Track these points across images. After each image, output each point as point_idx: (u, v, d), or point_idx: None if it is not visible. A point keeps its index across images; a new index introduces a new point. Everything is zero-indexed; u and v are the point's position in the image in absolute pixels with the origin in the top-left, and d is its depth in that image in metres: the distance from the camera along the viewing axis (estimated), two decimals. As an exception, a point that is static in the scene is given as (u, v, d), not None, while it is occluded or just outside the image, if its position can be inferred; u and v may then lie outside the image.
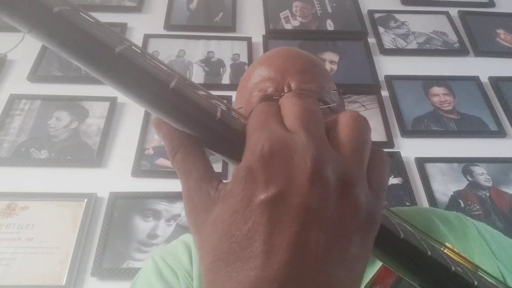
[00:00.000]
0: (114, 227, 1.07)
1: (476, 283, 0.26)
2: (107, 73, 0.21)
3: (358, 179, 0.20)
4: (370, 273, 0.51)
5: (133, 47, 0.22)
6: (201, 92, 0.23)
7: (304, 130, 0.20)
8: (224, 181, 0.23)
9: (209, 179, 0.23)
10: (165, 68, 0.22)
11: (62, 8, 0.20)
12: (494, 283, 0.30)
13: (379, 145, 1.27)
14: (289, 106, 0.21)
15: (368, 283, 0.44)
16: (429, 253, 0.25)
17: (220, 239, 0.20)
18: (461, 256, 0.30)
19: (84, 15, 0.21)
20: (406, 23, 1.63)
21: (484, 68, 1.50)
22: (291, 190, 0.19)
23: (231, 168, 0.84)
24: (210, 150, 0.24)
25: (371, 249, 0.21)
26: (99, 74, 0.21)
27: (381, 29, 1.59)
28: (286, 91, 0.57)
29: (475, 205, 1.17)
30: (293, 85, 0.58)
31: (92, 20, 0.21)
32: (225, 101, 0.23)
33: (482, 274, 0.30)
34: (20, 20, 0.19)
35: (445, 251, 0.30)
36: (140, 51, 0.22)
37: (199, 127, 0.22)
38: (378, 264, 0.47)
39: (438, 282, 0.25)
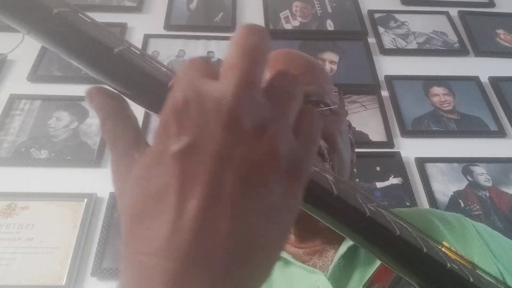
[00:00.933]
0: (114, 227, 1.07)
1: (471, 279, 0.26)
2: (106, 73, 0.21)
3: (279, 127, 0.19)
4: (369, 272, 0.51)
5: (131, 48, 0.22)
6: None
7: (230, 76, 0.19)
8: None
9: (137, 145, 0.23)
10: (162, 67, 0.22)
11: (61, 9, 0.20)
12: (491, 280, 0.30)
13: (379, 145, 1.27)
14: (229, 48, 0.20)
15: (366, 281, 0.44)
16: (425, 250, 0.25)
17: (135, 197, 0.20)
18: (458, 255, 0.30)
19: (83, 17, 0.21)
20: (406, 23, 1.63)
21: (484, 68, 1.50)
22: (204, 139, 0.18)
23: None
24: (144, 107, 0.24)
25: (299, 201, 0.21)
26: (98, 74, 0.21)
27: (381, 29, 1.59)
28: None
29: (475, 205, 1.17)
30: None
31: (90, 21, 0.21)
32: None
33: (479, 272, 0.30)
34: (20, 22, 0.20)
35: (442, 249, 0.30)
36: (137, 51, 0.22)
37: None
38: (377, 263, 0.47)
39: (433, 278, 0.26)
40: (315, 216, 0.24)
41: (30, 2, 0.19)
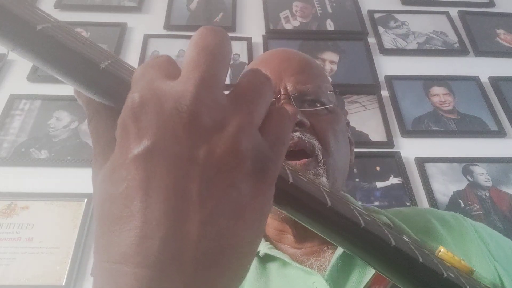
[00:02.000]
0: (114, 227, 1.07)
1: (468, 287, 0.26)
2: (93, 89, 0.21)
3: (240, 124, 0.19)
4: (366, 273, 0.51)
5: (120, 62, 0.22)
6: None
7: (191, 75, 0.18)
8: None
9: (114, 146, 0.23)
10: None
11: (45, 25, 0.20)
12: (488, 286, 0.30)
13: (379, 145, 1.28)
14: (189, 48, 0.20)
15: (365, 286, 0.44)
16: (421, 259, 0.25)
17: (101, 202, 0.19)
18: (456, 259, 0.30)
19: (66, 32, 0.21)
20: (406, 23, 1.63)
21: (484, 68, 1.50)
22: (165, 141, 0.18)
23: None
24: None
25: (267, 201, 0.20)
26: (85, 90, 0.21)
27: (381, 29, 1.59)
28: (282, 92, 0.57)
29: (475, 205, 1.17)
30: (289, 86, 0.58)
31: (74, 36, 0.21)
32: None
33: (477, 276, 0.30)
34: (4, 39, 0.19)
35: (439, 254, 0.30)
36: (127, 67, 0.22)
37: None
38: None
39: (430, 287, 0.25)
40: (310, 228, 0.24)
41: (14, 19, 0.19)
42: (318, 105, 0.58)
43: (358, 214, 0.24)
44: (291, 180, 0.22)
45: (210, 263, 0.18)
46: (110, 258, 0.18)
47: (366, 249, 0.24)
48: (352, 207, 0.25)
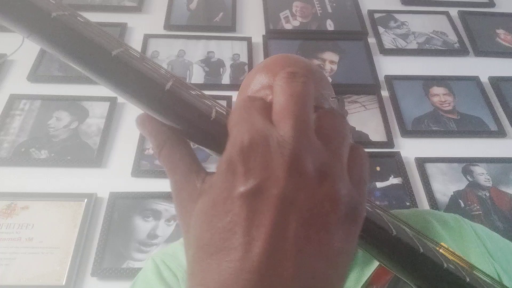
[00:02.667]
0: (114, 227, 1.07)
1: (468, 279, 0.26)
2: (104, 76, 0.21)
3: (338, 171, 0.20)
4: (366, 273, 0.51)
5: (130, 50, 0.22)
6: (197, 94, 0.23)
7: (287, 121, 0.20)
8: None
9: (196, 171, 0.23)
10: (161, 70, 0.22)
11: (60, 13, 0.20)
12: (488, 281, 0.30)
13: (379, 145, 1.28)
14: (277, 94, 0.21)
15: (364, 283, 0.44)
16: (422, 250, 0.25)
17: (202, 230, 0.20)
18: (456, 255, 0.30)
19: (81, 20, 0.21)
20: (406, 23, 1.63)
21: (484, 68, 1.50)
22: (269, 182, 0.19)
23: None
24: (194, 143, 0.24)
25: (355, 244, 0.21)
26: (96, 77, 0.22)
27: (381, 29, 1.59)
28: None
29: (475, 205, 1.17)
30: None
31: (89, 24, 0.21)
32: (216, 101, 0.24)
33: (477, 273, 0.30)
34: (19, 26, 0.20)
35: (440, 250, 0.30)
36: (137, 54, 0.22)
37: (193, 127, 0.23)
38: (375, 265, 0.47)
39: (430, 278, 0.26)
40: None
41: (29, 6, 0.20)
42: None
43: None
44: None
45: None
46: (205, 284, 0.19)
47: (367, 239, 0.24)
48: None
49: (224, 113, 0.23)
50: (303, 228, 0.19)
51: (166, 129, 0.24)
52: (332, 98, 0.61)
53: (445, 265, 0.26)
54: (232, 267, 0.18)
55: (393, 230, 0.24)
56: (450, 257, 0.30)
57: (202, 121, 0.22)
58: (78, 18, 0.21)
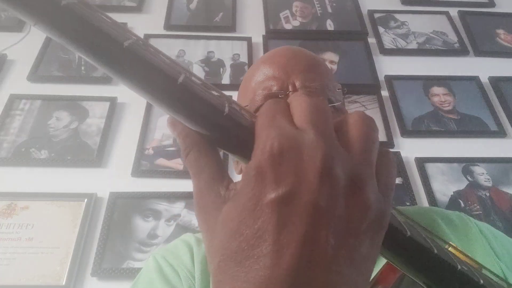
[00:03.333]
0: (114, 227, 1.07)
1: (482, 281, 0.26)
2: (115, 67, 0.21)
3: (368, 178, 0.20)
4: (372, 273, 0.51)
5: (141, 41, 0.21)
6: (213, 92, 0.23)
7: (313, 128, 0.20)
8: (235, 181, 0.23)
9: (221, 178, 0.23)
10: (173, 63, 0.22)
11: (70, 1, 0.19)
12: (499, 282, 0.30)
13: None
14: (299, 104, 0.21)
15: (370, 282, 0.44)
16: (435, 251, 0.25)
17: (229, 238, 0.20)
18: (465, 255, 0.30)
19: (91, 9, 0.20)
20: (406, 23, 1.63)
21: (484, 68, 1.50)
22: (301, 189, 0.19)
23: (231, 164, 0.85)
24: (220, 148, 0.24)
25: (379, 249, 0.21)
26: (106, 68, 0.21)
27: (381, 29, 1.59)
28: (290, 89, 0.57)
29: (475, 205, 1.17)
30: (297, 84, 0.58)
31: (99, 14, 0.21)
32: (232, 98, 0.23)
33: (486, 273, 0.29)
34: (27, 13, 0.19)
35: (449, 249, 0.30)
36: (149, 46, 0.22)
37: (207, 123, 0.22)
38: (380, 264, 0.47)
39: (444, 280, 0.25)
40: None
41: None
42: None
43: None
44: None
45: None
46: None
47: (383, 241, 0.24)
48: None
49: (237, 109, 0.23)
50: (334, 235, 0.19)
51: (195, 134, 0.23)
52: (338, 89, 0.62)
53: (459, 266, 0.25)
54: (262, 275, 0.18)
55: (407, 231, 0.24)
56: (460, 257, 0.29)
57: (217, 117, 0.22)
58: (88, 7, 0.20)
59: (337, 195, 0.19)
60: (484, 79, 1.47)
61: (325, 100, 0.21)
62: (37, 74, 1.36)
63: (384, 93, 1.41)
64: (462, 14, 1.66)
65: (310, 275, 0.18)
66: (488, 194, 1.20)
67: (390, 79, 1.44)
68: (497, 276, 0.31)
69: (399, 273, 0.36)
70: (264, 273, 0.18)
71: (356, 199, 0.19)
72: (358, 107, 1.37)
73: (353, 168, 0.20)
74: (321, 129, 0.20)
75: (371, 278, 0.46)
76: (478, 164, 1.25)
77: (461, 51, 1.54)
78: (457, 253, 0.29)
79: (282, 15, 1.61)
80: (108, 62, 0.21)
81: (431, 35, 1.59)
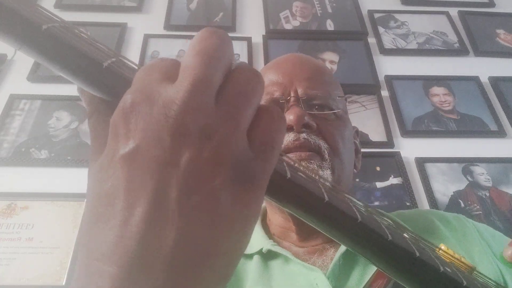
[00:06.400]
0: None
1: (465, 283, 0.27)
2: (95, 87, 0.22)
3: (227, 134, 0.18)
4: (369, 272, 0.51)
5: (124, 60, 0.22)
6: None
7: (184, 80, 0.18)
8: None
9: None
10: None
11: (50, 25, 0.20)
12: (489, 282, 0.30)
13: (379, 145, 1.28)
14: (186, 52, 0.20)
15: (367, 283, 0.45)
16: (418, 254, 0.25)
17: (90, 199, 0.19)
18: (455, 258, 0.31)
19: (71, 31, 0.21)
20: (406, 23, 1.63)
21: (484, 68, 1.50)
22: (149, 144, 0.18)
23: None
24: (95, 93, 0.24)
25: (254, 210, 0.20)
26: (88, 88, 0.22)
27: (381, 29, 1.59)
28: (292, 95, 0.59)
29: (475, 205, 1.18)
30: (299, 90, 0.59)
31: (81, 36, 0.22)
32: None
33: (477, 274, 0.30)
34: (9, 38, 0.20)
35: (440, 252, 0.30)
36: (131, 65, 0.22)
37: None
38: (375, 267, 0.47)
39: (426, 282, 0.26)
40: (307, 222, 0.24)
41: (21, 19, 0.20)
42: (327, 110, 0.60)
43: (355, 209, 0.25)
44: (288, 176, 0.22)
45: (184, 271, 0.18)
46: (90, 255, 0.18)
47: (362, 243, 0.25)
48: (349, 202, 0.25)
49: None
50: (185, 192, 0.18)
51: (98, 99, 0.23)
52: (339, 97, 0.63)
53: (442, 268, 0.26)
54: (111, 234, 0.17)
55: (389, 235, 0.25)
56: (450, 259, 0.30)
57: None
58: (69, 30, 0.21)
59: (187, 151, 0.18)
60: (484, 79, 1.47)
61: (221, 44, 0.19)
62: (37, 74, 1.36)
63: (384, 93, 1.41)
64: (462, 14, 1.66)
65: (160, 233, 0.17)
66: (488, 194, 1.20)
67: (390, 79, 1.44)
68: (488, 278, 0.32)
69: (389, 277, 0.37)
70: (114, 232, 0.18)
71: (210, 155, 0.18)
72: (358, 107, 1.37)
73: (211, 122, 0.18)
74: (193, 82, 0.18)
75: (366, 280, 0.46)
76: (478, 164, 1.25)
77: (461, 51, 1.54)
78: (447, 256, 0.30)
79: (282, 15, 1.61)
80: (88, 81, 0.22)
81: (431, 35, 1.59)
